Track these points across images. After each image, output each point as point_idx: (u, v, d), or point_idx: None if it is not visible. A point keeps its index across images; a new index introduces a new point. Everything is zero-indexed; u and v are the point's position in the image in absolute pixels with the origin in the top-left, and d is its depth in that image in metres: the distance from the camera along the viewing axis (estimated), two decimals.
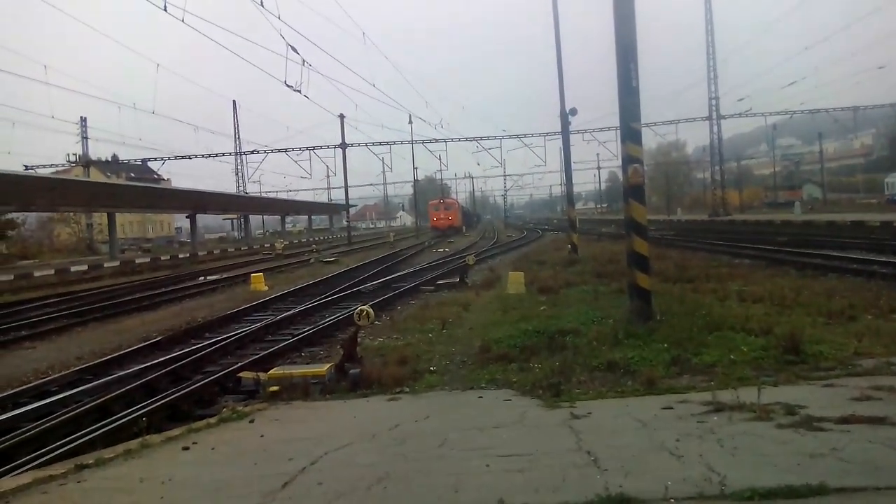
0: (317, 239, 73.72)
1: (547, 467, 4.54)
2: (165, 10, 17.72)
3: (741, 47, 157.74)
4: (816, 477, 3.89)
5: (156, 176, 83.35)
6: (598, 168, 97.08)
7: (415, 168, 75.52)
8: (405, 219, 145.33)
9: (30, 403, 8.44)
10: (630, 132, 10.08)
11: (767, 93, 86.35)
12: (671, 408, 5.93)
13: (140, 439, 6.23)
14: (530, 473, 4.45)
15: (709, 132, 61.59)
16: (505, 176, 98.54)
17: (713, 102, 59.42)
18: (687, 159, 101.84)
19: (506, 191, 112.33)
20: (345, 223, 74.21)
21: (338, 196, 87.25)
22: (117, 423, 7.23)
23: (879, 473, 3.96)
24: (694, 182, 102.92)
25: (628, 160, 10.05)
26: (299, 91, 27.88)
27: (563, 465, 4.54)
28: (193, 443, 6.02)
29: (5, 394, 8.98)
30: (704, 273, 16.90)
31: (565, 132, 28.71)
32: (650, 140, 67.76)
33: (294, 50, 24.90)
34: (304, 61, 26.76)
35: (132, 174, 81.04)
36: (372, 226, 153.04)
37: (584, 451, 4.84)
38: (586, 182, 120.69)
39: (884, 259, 17.96)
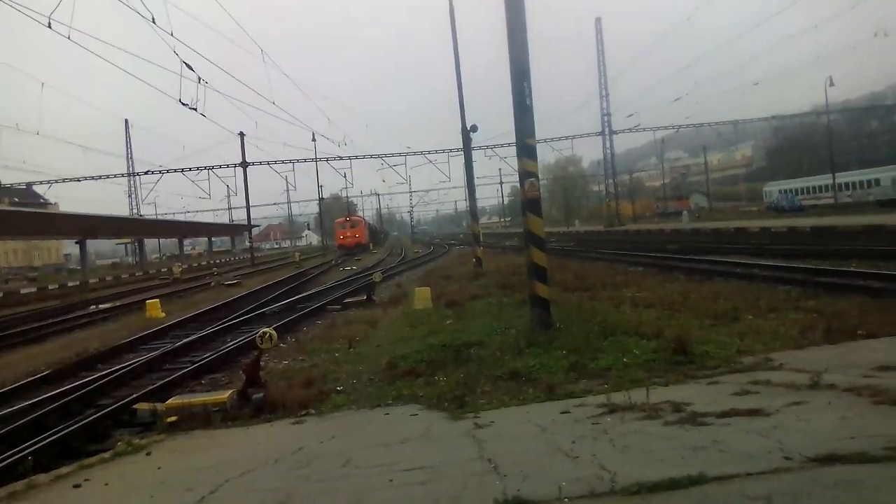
0: (218, 261, 71.43)
1: (449, 478, 4.63)
2: (50, 26, 16.83)
3: (629, 65, 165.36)
4: (697, 468, 4.16)
5: (42, 200, 78.64)
6: (501, 183, 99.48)
7: (319, 186, 74.81)
8: (311, 238, 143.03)
9: None
10: (525, 148, 10.41)
11: (655, 108, 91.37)
12: (569, 412, 6.16)
13: (26, 480, 5.88)
14: (432, 485, 4.52)
15: (602, 147, 64.55)
16: (411, 192, 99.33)
17: (605, 118, 62.40)
18: (583, 173, 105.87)
19: (412, 207, 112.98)
20: (248, 244, 72.23)
21: (240, 216, 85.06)
22: None
23: (753, 460, 4.28)
24: (590, 195, 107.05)
25: (525, 175, 10.38)
26: (195, 109, 27.09)
27: (465, 475, 4.64)
28: (86, 479, 5.74)
29: None
30: (601, 281, 17.60)
31: (467, 148, 29.29)
32: (548, 155, 70.01)
33: (189, 67, 24.17)
34: (199, 78, 26.07)
35: (16, 199, 76.14)
36: (277, 246, 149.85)
37: (486, 459, 4.97)
38: (490, 197, 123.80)
39: (763, 262, 19.28)
